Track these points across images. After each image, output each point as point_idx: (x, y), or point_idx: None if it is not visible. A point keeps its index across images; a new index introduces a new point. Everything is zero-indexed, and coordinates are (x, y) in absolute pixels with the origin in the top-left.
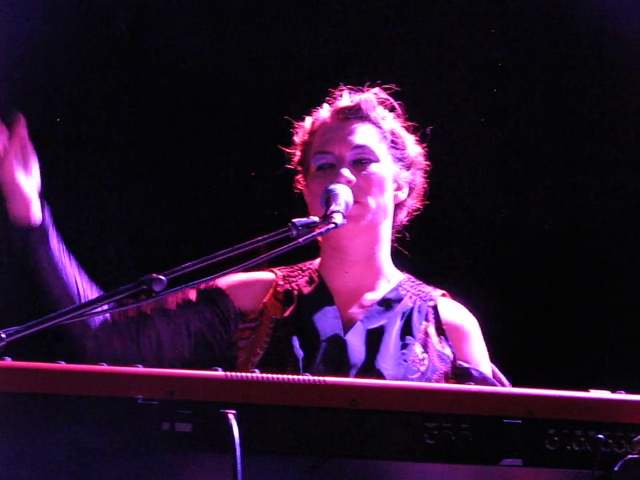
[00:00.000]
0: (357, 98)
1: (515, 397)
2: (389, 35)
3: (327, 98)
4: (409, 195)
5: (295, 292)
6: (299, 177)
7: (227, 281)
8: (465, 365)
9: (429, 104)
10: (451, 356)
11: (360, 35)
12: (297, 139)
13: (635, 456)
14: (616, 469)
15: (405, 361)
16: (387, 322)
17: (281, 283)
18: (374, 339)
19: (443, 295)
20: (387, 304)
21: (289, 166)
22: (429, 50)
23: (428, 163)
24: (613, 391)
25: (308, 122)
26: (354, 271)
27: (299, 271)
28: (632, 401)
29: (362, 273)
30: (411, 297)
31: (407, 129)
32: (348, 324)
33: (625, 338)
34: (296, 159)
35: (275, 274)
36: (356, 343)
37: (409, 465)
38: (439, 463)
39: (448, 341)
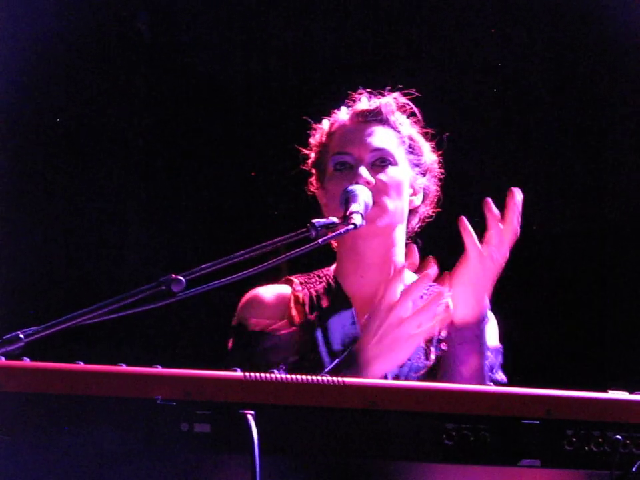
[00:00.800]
0: (377, 101)
1: (533, 398)
2: (404, 40)
3: (346, 101)
4: (422, 201)
5: (314, 297)
6: (313, 179)
7: (256, 315)
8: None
9: (439, 107)
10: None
11: (375, 39)
12: (313, 140)
13: None
14: (634, 469)
15: (409, 359)
16: None
17: (299, 289)
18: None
19: None
20: None
21: (304, 167)
22: (442, 53)
23: (442, 170)
24: (631, 392)
25: (326, 124)
26: (369, 274)
27: (316, 278)
28: None
29: (378, 277)
30: (422, 297)
31: (424, 135)
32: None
33: None
34: (310, 160)
35: (292, 282)
36: None
37: (427, 465)
38: (457, 464)
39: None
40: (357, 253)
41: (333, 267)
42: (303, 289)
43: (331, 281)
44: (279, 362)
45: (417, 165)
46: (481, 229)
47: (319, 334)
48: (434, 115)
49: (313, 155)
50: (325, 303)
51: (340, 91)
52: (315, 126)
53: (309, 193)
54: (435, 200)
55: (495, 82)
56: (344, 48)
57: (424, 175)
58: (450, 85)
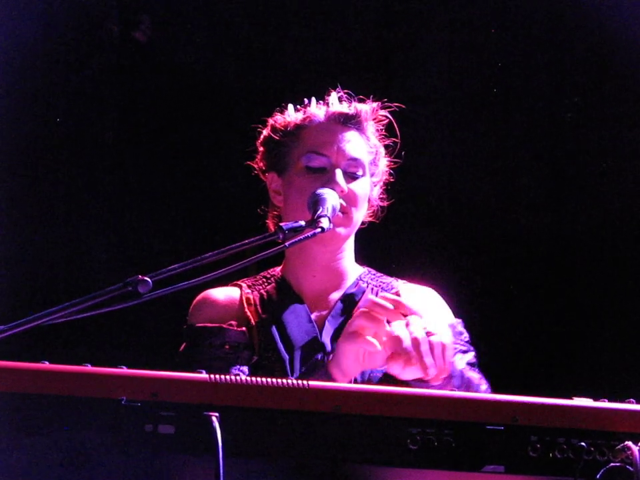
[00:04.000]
0: (358, 107)
1: (498, 404)
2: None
3: (325, 97)
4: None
5: (265, 298)
6: (259, 157)
7: (206, 316)
8: None
9: (424, 103)
10: None
11: (361, 37)
12: (274, 122)
13: (618, 464)
14: (598, 477)
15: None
16: (349, 319)
17: (248, 291)
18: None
19: (405, 283)
20: (348, 299)
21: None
22: (428, 51)
23: (387, 180)
24: (596, 399)
25: (292, 111)
26: (321, 273)
27: (263, 279)
28: (615, 409)
29: (328, 275)
30: (372, 289)
31: (384, 146)
32: (320, 326)
33: (608, 346)
34: (263, 138)
35: (240, 285)
36: (328, 344)
37: (392, 470)
38: (421, 469)
39: None
40: (308, 254)
41: (279, 267)
42: (252, 291)
43: (279, 281)
44: (230, 361)
45: (373, 175)
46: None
47: (275, 332)
48: (417, 109)
49: (269, 133)
50: (276, 302)
51: (321, 93)
52: (282, 110)
53: (256, 172)
54: (376, 210)
55: (483, 78)
56: (329, 50)
57: (375, 185)
58: (434, 79)
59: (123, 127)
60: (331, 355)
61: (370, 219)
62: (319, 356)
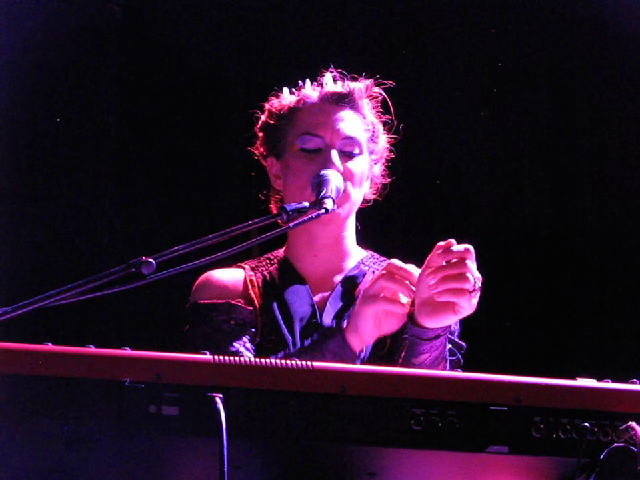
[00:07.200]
0: (351, 85)
1: (502, 384)
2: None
3: (319, 78)
4: (369, 187)
5: (268, 279)
6: (259, 143)
7: (211, 294)
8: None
9: (429, 99)
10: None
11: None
12: (270, 107)
13: (621, 445)
14: (602, 457)
15: (368, 346)
16: (351, 301)
17: (251, 273)
18: (342, 320)
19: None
20: (350, 282)
21: (256, 130)
22: (434, 45)
23: (389, 157)
24: (600, 380)
25: (287, 94)
26: (322, 254)
27: (267, 260)
28: (618, 389)
29: (330, 256)
30: (373, 272)
31: (382, 123)
32: (321, 307)
33: (611, 327)
34: (261, 123)
35: (244, 267)
36: (329, 325)
37: (395, 450)
38: (425, 449)
39: None
40: (310, 235)
41: (283, 249)
42: (255, 272)
43: (282, 262)
44: (234, 337)
45: (373, 153)
46: None
47: (277, 314)
48: (422, 102)
49: (265, 119)
50: (279, 283)
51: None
52: (276, 93)
53: (254, 157)
54: (379, 188)
55: (487, 73)
56: (329, 41)
57: (376, 163)
58: (439, 74)
59: (126, 109)
60: (346, 321)
61: (374, 197)
62: (332, 322)
